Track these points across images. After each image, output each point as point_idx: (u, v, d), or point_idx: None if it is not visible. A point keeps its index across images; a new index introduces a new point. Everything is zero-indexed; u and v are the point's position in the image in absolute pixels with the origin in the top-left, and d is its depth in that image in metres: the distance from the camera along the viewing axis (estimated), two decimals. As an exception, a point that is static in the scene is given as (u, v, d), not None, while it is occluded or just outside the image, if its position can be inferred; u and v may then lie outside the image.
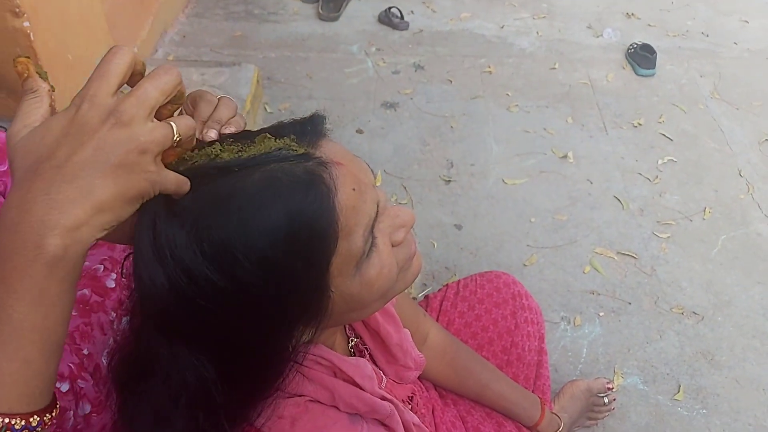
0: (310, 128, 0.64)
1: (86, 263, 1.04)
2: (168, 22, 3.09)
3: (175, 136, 0.56)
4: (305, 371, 0.69)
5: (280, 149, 0.60)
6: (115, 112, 0.52)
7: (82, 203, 0.51)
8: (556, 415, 1.29)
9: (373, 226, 0.64)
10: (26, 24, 1.83)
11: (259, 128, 0.66)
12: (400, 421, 0.81)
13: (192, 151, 0.61)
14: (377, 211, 0.64)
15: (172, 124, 0.56)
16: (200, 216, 0.56)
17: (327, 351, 0.74)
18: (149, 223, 0.56)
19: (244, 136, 0.63)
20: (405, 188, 2.28)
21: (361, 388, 0.76)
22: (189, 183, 0.57)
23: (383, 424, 0.79)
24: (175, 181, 0.56)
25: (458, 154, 2.47)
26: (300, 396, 0.71)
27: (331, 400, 0.73)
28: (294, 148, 0.60)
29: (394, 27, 3.24)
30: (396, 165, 2.39)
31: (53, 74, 1.98)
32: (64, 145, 0.52)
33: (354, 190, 0.61)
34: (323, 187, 0.58)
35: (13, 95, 1.96)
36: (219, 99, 0.68)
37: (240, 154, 0.60)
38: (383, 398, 0.79)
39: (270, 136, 0.61)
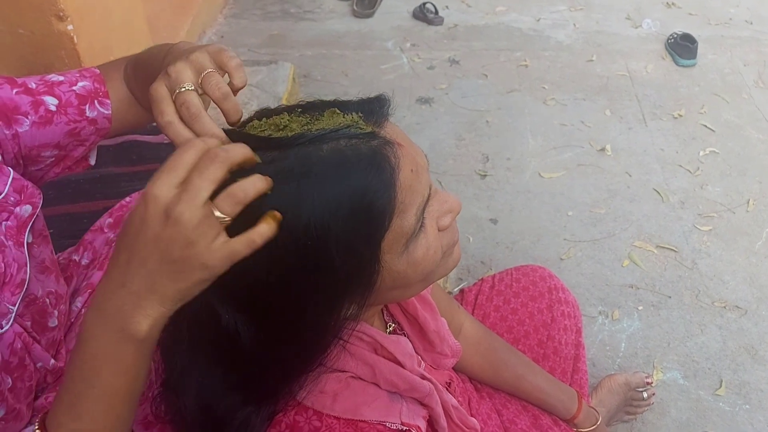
0: (377, 108, 0.67)
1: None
2: (207, 23, 3.15)
3: (223, 218, 0.57)
4: (348, 346, 0.72)
5: (348, 126, 0.62)
6: (169, 212, 0.55)
7: (151, 298, 0.57)
8: (593, 408, 1.28)
9: (424, 208, 0.66)
10: (70, 27, 1.89)
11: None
12: (439, 402, 0.82)
13: (260, 120, 0.65)
14: (429, 193, 0.67)
15: (214, 210, 0.56)
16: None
17: (369, 327, 0.76)
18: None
19: (312, 108, 0.66)
20: (441, 183, 2.29)
21: (401, 366, 0.78)
22: (255, 244, 0.57)
23: (422, 404, 0.81)
24: (233, 258, 0.57)
25: (494, 149, 2.46)
26: (342, 372, 0.73)
27: (371, 376, 0.75)
28: (361, 126, 0.63)
29: (429, 22, 3.24)
30: (431, 160, 2.37)
31: (97, 76, 2.04)
32: (133, 240, 0.57)
33: (412, 171, 0.64)
34: (387, 167, 0.61)
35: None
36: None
37: (308, 127, 0.62)
38: (423, 377, 0.80)
39: (338, 112, 0.64)
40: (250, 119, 0.67)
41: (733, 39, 3.13)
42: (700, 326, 1.83)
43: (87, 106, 0.89)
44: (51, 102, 0.86)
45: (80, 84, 0.89)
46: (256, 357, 0.65)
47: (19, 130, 0.84)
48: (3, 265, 0.80)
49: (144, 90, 0.85)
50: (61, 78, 0.89)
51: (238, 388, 0.67)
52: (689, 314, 1.86)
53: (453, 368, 1.10)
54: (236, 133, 0.65)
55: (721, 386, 1.69)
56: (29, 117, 0.84)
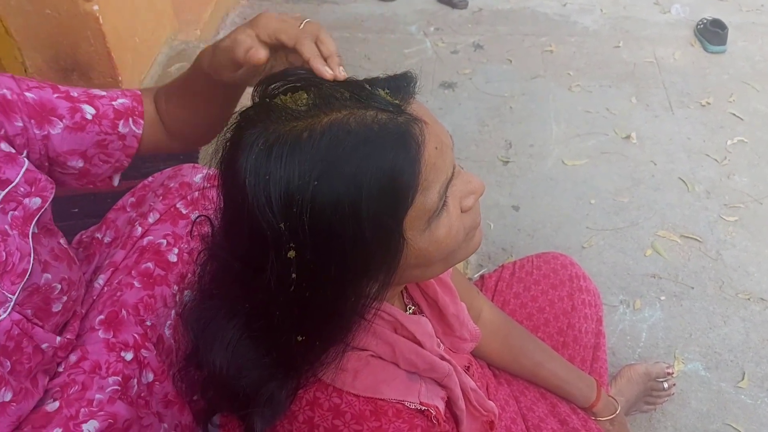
0: (404, 85, 0.67)
1: (150, 238, 1.09)
2: (230, 6, 3.14)
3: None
4: (369, 325, 0.72)
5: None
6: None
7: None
8: (612, 398, 1.28)
9: (447, 187, 0.67)
10: (96, 8, 1.90)
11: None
12: (458, 383, 0.82)
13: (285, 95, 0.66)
14: (453, 172, 0.68)
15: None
16: (291, 158, 0.59)
17: (390, 306, 0.77)
18: (248, 155, 0.60)
19: (340, 85, 0.67)
20: (462, 169, 2.27)
21: (421, 346, 0.78)
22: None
23: (440, 385, 0.81)
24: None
25: (517, 135, 2.44)
26: (362, 350, 0.74)
27: (391, 356, 0.75)
28: (388, 101, 0.64)
29: (454, 6, 3.20)
30: (454, 145, 2.37)
31: (121, 56, 2.06)
32: None
33: (436, 149, 0.64)
34: (413, 143, 0.62)
35: (84, 77, 2.04)
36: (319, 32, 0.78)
37: None
38: (442, 358, 0.80)
39: (368, 87, 0.65)
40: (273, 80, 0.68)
41: (764, 26, 3.06)
42: (723, 318, 1.81)
43: (121, 121, 0.93)
44: (88, 110, 0.90)
45: (120, 101, 0.94)
46: (284, 328, 0.66)
47: (52, 132, 0.87)
48: (5, 253, 0.80)
49: (180, 107, 0.95)
50: (103, 93, 0.94)
51: (266, 360, 0.68)
52: (712, 305, 1.84)
53: (471, 354, 1.11)
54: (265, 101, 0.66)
55: (743, 378, 1.67)
56: (63, 120, 0.87)
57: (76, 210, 1.77)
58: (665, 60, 2.84)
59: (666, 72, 2.77)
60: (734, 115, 2.54)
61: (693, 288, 1.88)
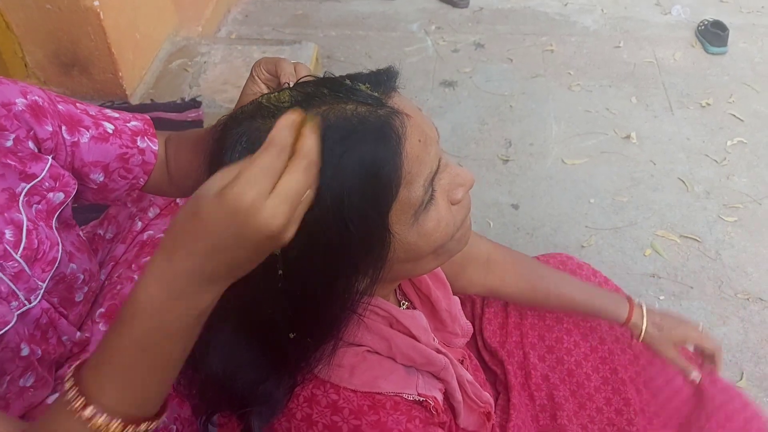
0: (385, 79, 0.67)
1: (150, 232, 1.10)
2: (232, 2, 3.14)
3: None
4: (364, 321, 0.72)
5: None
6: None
7: (227, 279, 0.56)
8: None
9: (433, 180, 0.66)
10: (96, 3, 1.90)
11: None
12: (454, 376, 0.83)
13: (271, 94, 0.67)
14: (438, 165, 0.67)
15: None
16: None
17: (384, 302, 0.77)
18: (232, 154, 0.61)
19: (322, 83, 0.67)
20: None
21: (416, 340, 0.78)
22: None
23: (437, 378, 0.81)
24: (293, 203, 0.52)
25: (517, 134, 2.44)
26: (359, 346, 0.74)
27: (387, 350, 0.76)
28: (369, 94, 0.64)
29: (455, 5, 3.21)
30: (453, 144, 2.38)
31: (122, 52, 2.06)
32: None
33: (419, 141, 0.64)
34: (393, 135, 0.61)
35: (85, 73, 2.04)
36: (296, 64, 0.83)
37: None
38: (438, 351, 0.81)
39: (348, 83, 0.65)
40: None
41: (765, 28, 3.06)
42: (722, 317, 1.81)
43: (138, 137, 0.97)
44: (108, 126, 0.94)
45: (132, 123, 0.98)
46: (276, 325, 0.66)
47: (81, 139, 0.90)
48: (36, 241, 0.82)
49: (188, 161, 0.96)
50: (116, 115, 0.97)
51: (261, 359, 0.68)
52: (711, 305, 1.84)
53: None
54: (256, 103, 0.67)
55: (741, 378, 1.67)
56: (90, 131, 0.91)
57: (76, 205, 1.77)
58: (665, 61, 2.85)
59: (666, 73, 2.77)
60: (734, 116, 2.54)
61: (692, 288, 1.89)
